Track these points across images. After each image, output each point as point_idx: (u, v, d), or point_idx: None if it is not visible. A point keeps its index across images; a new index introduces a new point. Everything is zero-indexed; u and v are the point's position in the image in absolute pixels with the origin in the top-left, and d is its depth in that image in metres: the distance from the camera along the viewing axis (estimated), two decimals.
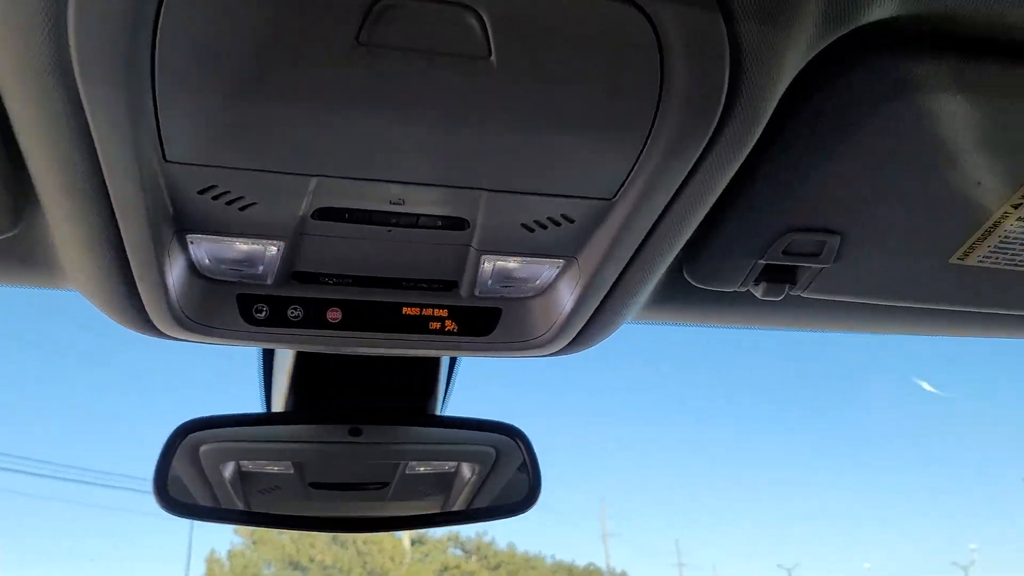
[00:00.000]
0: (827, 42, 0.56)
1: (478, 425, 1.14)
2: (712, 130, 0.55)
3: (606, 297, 0.78)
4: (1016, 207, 0.74)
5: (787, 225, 0.77)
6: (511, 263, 0.76)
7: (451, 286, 0.81)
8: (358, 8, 0.45)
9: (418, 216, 0.66)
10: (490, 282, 0.80)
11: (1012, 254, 0.81)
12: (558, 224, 0.68)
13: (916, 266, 0.84)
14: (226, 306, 0.78)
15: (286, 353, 1.08)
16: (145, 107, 0.50)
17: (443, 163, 0.58)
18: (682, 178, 0.60)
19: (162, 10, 0.44)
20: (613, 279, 0.74)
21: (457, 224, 0.67)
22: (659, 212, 0.64)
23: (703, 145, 0.56)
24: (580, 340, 0.86)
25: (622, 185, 0.61)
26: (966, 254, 0.81)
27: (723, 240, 0.79)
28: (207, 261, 0.73)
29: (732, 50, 0.51)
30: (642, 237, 0.68)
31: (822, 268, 0.83)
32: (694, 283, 0.87)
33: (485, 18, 0.47)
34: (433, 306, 0.82)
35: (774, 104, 0.55)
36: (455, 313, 0.83)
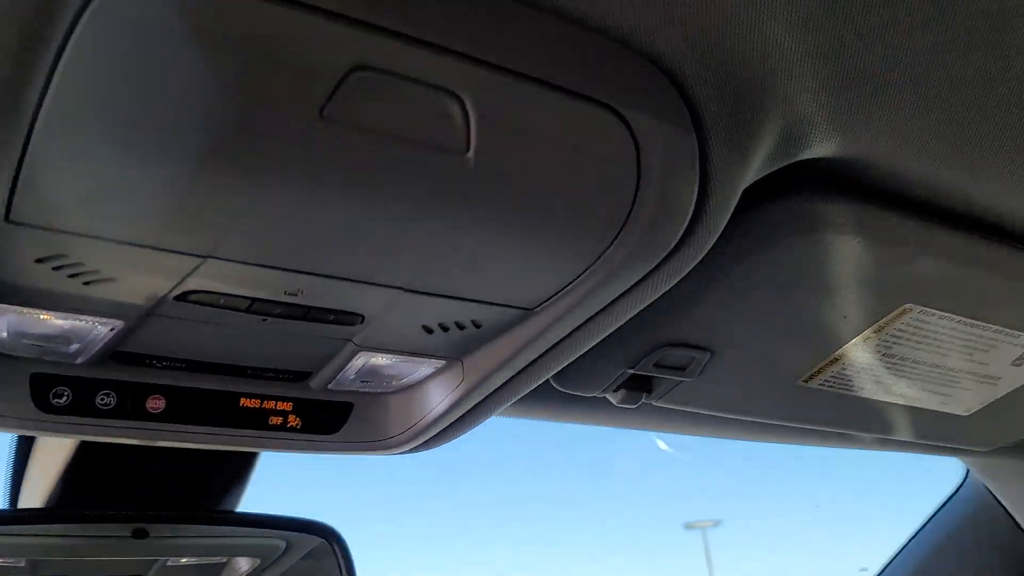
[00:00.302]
0: (763, 174, 0.55)
1: (286, 524, 1.01)
2: (666, 253, 0.52)
3: (483, 400, 0.71)
4: (865, 340, 0.79)
5: (665, 340, 0.76)
6: (384, 360, 0.67)
7: (303, 377, 0.70)
8: (333, 75, 0.37)
9: (309, 309, 0.55)
10: (352, 377, 0.70)
11: (845, 380, 0.86)
12: (462, 328, 0.61)
13: (767, 386, 0.86)
14: (13, 388, 0.61)
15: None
16: (8, 154, 0.36)
17: (372, 257, 0.49)
18: (614, 297, 0.56)
19: (72, 38, 0.32)
20: (498, 385, 0.68)
21: (349, 319, 0.58)
22: (575, 326, 0.60)
23: (652, 267, 0.52)
24: (439, 438, 0.78)
25: (550, 298, 0.56)
26: (811, 377, 0.85)
27: (599, 350, 0.76)
28: (3, 335, 0.57)
29: (700, 175, 0.48)
30: (546, 348, 0.63)
31: (682, 381, 0.83)
32: (556, 387, 0.84)
33: (469, 109, 0.40)
34: (276, 398, 0.71)
35: (720, 232, 0.53)
36: (300, 407, 0.72)
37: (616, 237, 0.49)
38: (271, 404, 0.70)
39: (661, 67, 0.45)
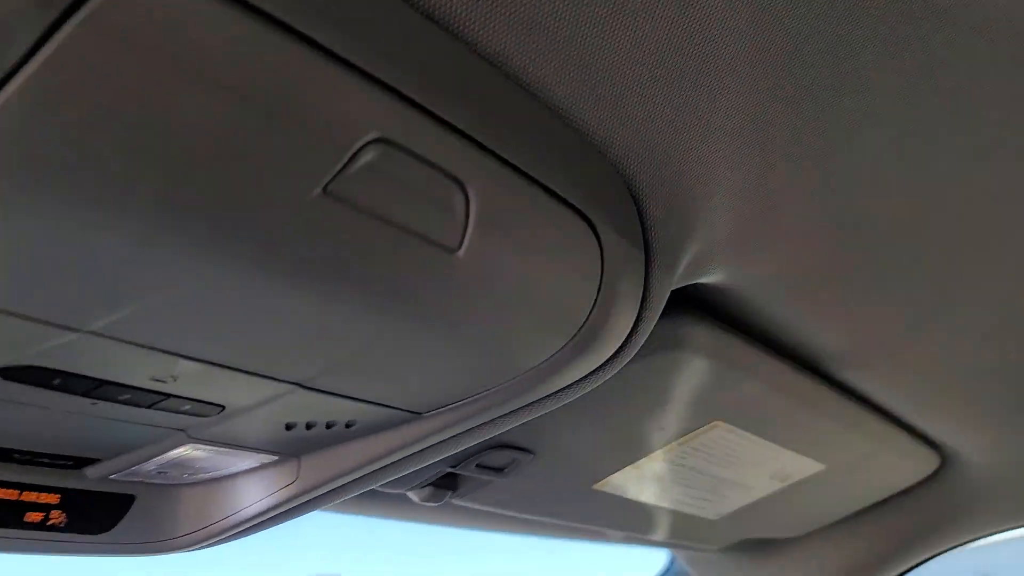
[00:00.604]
0: None
1: None
2: (592, 371, 0.50)
3: (309, 500, 0.62)
4: (667, 451, 0.83)
5: (496, 441, 0.73)
6: (203, 452, 0.57)
7: (84, 463, 0.57)
8: (352, 145, 0.31)
9: (167, 397, 0.45)
10: (151, 468, 0.58)
11: (635, 485, 0.90)
12: (330, 427, 0.53)
13: (567, 488, 0.87)
14: None
15: None
16: None
17: (294, 351, 0.41)
18: (515, 408, 0.52)
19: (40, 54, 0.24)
20: (336, 486, 0.60)
21: (204, 411, 0.48)
22: (454, 435, 0.55)
23: (571, 382, 0.50)
24: (239, 535, 0.67)
25: (448, 404, 0.51)
26: (605, 483, 0.87)
27: None
28: None
29: (643, 293, 0.48)
30: (410, 453, 0.57)
31: (491, 481, 0.81)
32: None
33: (472, 201, 0.36)
34: (41, 489, 0.56)
35: (637, 351, 0.53)
36: (70, 500, 0.58)
37: (559, 351, 0.46)
38: (32, 496, 0.56)
39: (624, 180, 0.44)
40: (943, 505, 1.08)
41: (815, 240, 0.56)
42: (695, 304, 0.64)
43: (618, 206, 0.43)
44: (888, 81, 0.43)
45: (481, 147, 0.35)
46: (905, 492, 1.10)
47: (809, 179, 0.50)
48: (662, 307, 0.50)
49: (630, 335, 0.48)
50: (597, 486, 0.87)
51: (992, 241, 0.59)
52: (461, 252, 0.36)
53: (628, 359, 0.51)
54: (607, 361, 0.50)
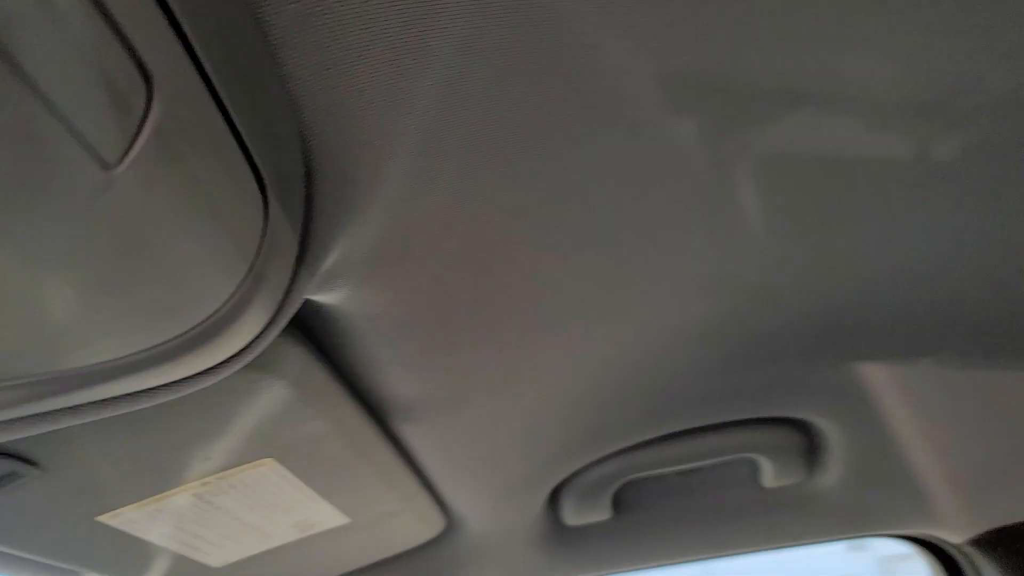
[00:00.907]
0: None
1: None
2: (192, 375, 0.41)
3: None
4: (203, 484, 0.74)
5: None
6: None
7: None
8: None
9: None
10: None
11: (140, 522, 0.78)
12: None
13: (65, 517, 0.71)
14: None
15: None
16: None
17: None
18: (80, 405, 0.41)
19: None
20: None
21: None
22: (30, 432, 0.41)
23: (161, 384, 0.41)
24: None
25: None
26: (115, 515, 0.74)
27: None
28: None
29: (285, 291, 0.42)
30: None
31: None
32: None
33: (153, 111, 0.27)
34: None
35: (253, 358, 0.46)
36: None
37: (169, 340, 0.37)
38: None
39: (303, 155, 0.39)
40: (442, 566, 1.14)
41: (434, 288, 0.56)
42: (293, 323, 0.59)
43: (291, 183, 0.38)
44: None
45: (189, 49, 0.27)
46: (412, 550, 1.14)
47: (449, 233, 0.50)
48: (294, 312, 0.45)
49: (258, 337, 0.42)
50: (103, 517, 0.74)
51: (552, 328, 0.65)
52: (117, 170, 0.28)
53: (238, 368, 0.44)
54: (216, 366, 0.42)
